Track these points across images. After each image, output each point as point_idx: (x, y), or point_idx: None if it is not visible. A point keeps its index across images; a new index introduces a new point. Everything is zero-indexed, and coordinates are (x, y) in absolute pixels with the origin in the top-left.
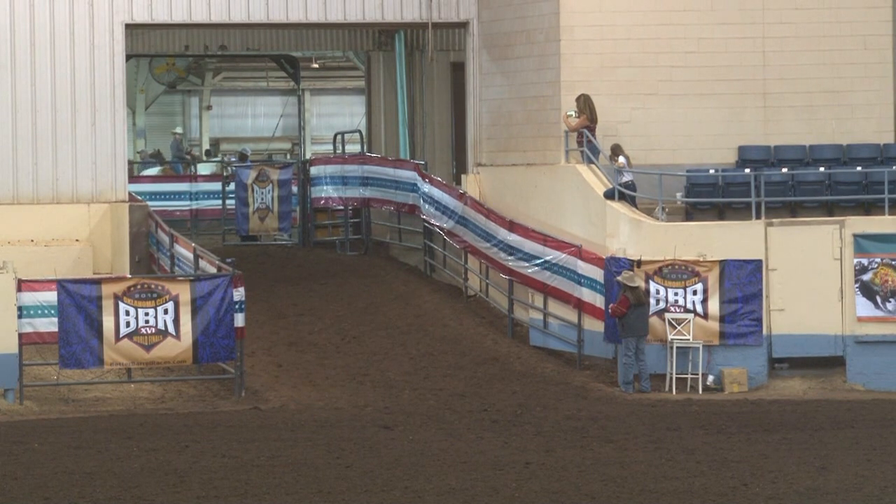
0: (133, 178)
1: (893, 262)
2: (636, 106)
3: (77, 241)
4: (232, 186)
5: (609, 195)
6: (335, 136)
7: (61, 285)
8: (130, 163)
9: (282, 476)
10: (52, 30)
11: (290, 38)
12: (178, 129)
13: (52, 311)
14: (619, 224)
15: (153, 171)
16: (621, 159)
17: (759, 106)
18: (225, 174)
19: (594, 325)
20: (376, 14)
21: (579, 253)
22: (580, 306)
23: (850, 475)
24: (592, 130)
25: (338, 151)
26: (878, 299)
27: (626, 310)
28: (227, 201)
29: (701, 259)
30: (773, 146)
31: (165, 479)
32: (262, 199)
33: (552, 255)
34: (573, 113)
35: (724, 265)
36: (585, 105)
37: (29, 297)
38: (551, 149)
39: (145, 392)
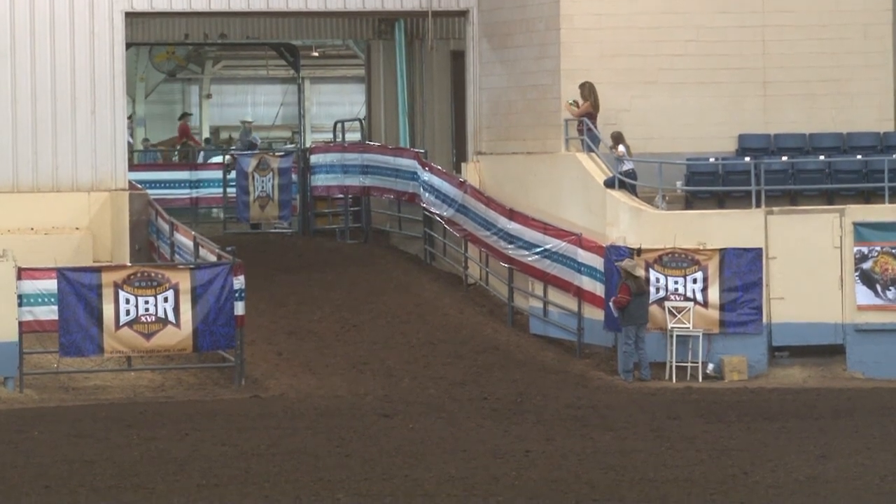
0: (133, 167)
1: (893, 251)
2: (636, 94)
3: (77, 229)
4: (232, 175)
5: (609, 184)
6: (335, 124)
7: (61, 273)
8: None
9: (282, 464)
10: (52, 18)
11: (290, 27)
12: (249, 118)
13: (52, 300)
14: (618, 212)
15: (217, 158)
16: (621, 148)
17: (759, 94)
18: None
19: (594, 314)
20: (376, 2)
21: (579, 241)
22: (580, 295)
23: (849, 463)
24: (594, 118)
25: (338, 140)
26: (878, 287)
27: (629, 298)
28: (228, 189)
29: (701, 247)
30: (773, 134)
31: (165, 468)
32: (263, 187)
33: (552, 243)
34: (575, 101)
35: (724, 254)
36: (590, 92)
37: (29, 286)
38: (551, 137)
39: (145, 380)
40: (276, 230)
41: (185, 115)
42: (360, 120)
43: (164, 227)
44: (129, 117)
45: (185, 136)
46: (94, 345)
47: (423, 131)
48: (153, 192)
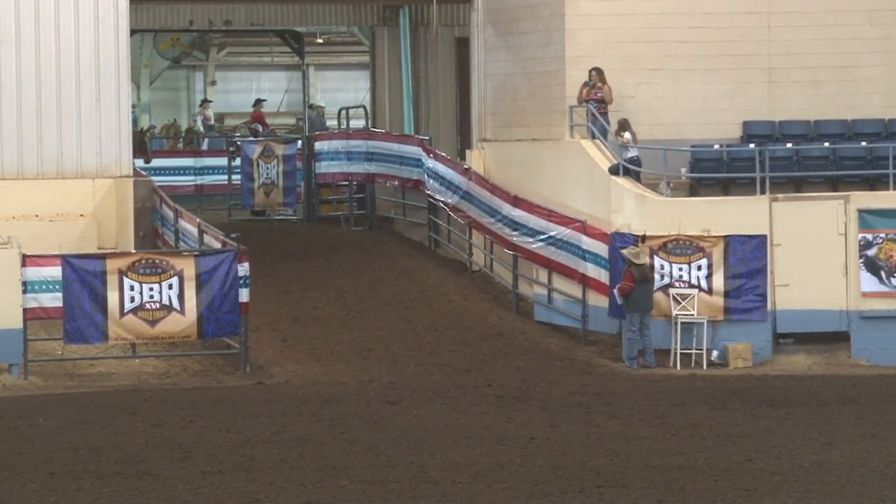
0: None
1: None
2: (641, 81)
3: (82, 216)
4: (237, 161)
5: (614, 170)
6: (339, 111)
7: (66, 260)
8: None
9: (286, 451)
10: (57, 4)
11: (295, 14)
12: (321, 103)
13: (57, 287)
14: (623, 199)
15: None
16: (627, 135)
17: (763, 81)
18: (231, 149)
19: (599, 301)
20: None
21: (584, 228)
22: (584, 282)
23: (854, 450)
24: (606, 105)
25: (342, 127)
26: (883, 274)
27: (632, 286)
28: (233, 176)
29: (705, 234)
30: (777, 121)
31: (170, 454)
32: (268, 174)
33: (556, 230)
34: (594, 82)
35: (729, 240)
36: (603, 76)
37: (33, 273)
38: (556, 124)
39: (150, 367)
40: (281, 217)
41: (259, 102)
42: (364, 107)
43: (168, 213)
44: (204, 102)
45: (259, 122)
46: (98, 332)
47: (427, 118)
48: (158, 180)
